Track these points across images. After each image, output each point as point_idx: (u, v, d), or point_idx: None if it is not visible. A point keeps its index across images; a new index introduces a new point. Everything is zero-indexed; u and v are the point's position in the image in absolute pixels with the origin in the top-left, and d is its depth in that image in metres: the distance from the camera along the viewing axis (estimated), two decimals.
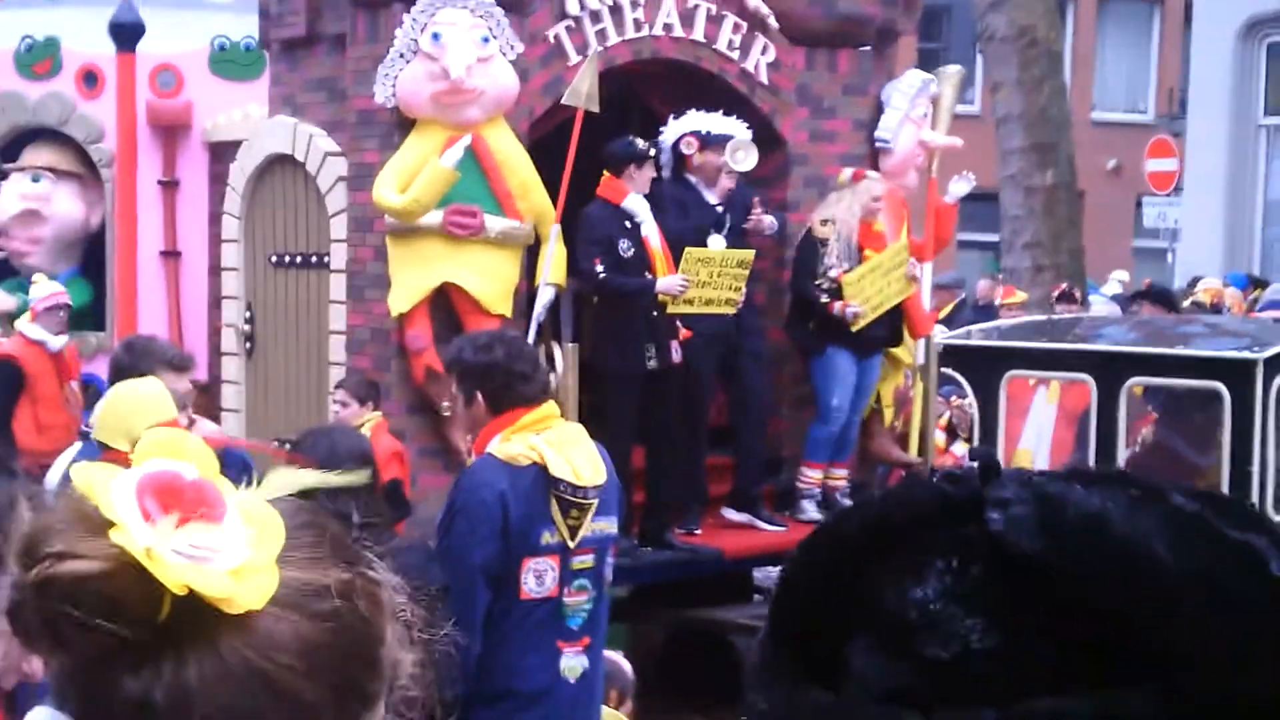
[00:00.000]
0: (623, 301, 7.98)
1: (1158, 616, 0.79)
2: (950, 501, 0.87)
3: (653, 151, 8.13)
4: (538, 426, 4.78)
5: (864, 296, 8.70)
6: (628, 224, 8.05)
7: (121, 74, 9.78)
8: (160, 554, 1.01)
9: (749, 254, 8.44)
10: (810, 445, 9.00)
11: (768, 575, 10.43)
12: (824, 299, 8.63)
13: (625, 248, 7.98)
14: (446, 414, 8.01)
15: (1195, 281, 13.59)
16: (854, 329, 8.68)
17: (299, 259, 8.78)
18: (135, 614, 1.02)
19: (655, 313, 7.96)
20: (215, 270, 9.60)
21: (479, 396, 4.77)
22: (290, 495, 1.15)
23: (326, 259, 8.51)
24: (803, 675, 0.87)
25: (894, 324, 9.05)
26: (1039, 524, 0.83)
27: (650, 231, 8.06)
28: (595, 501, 4.81)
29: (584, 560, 4.88)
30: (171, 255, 10.15)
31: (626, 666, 5.43)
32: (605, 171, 8.16)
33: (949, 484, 0.89)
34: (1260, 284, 14.29)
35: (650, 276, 7.99)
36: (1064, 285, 13.55)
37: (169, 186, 10.15)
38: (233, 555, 1.04)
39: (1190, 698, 0.78)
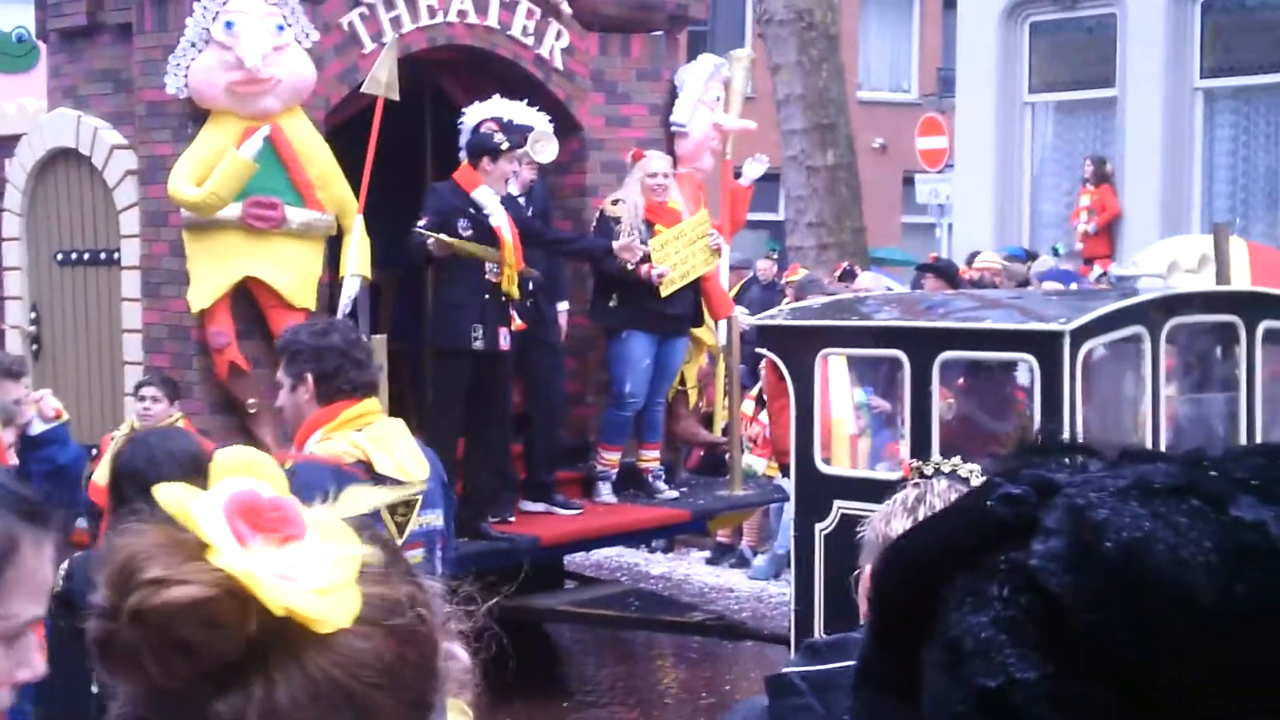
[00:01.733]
0: (459, 278, 7.91)
1: (1186, 664, 0.77)
2: (1006, 526, 0.86)
3: (505, 146, 8.04)
4: (359, 422, 4.70)
5: (670, 262, 8.76)
6: (471, 210, 7.97)
7: None
8: (260, 577, 1.02)
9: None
10: (605, 428, 9.04)
11: (578, 561, 10.47)
12: (629, 266, 8.64)
13: (463, 226, 7.91)
14: (252, 411, 7.86)
15: (974, 255, 13.98)
16: (663, 293, 8.72)
17: (87, 256, 8.49)
18: (231, 637, 1.02)
19: (487, 295, 7.90)
20: None
21: (308, 379, 4.64)
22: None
23: (117, 255, 8.25)
24: (889, 684, 0.87)
25: (695, 305, 9.13)
26: (1070, 560, 0.81)
27: (501, 223, 7.98)
28: (419, 496, 4.76)
29: (414, 555, 4.82)
30: None
31: (464, 656, 5.38)
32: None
33: (1006, 505, 0.88)
34: (1033, 256, 14.78)
35: (489, 265, 7.94)
36: (844, 264, 13.83)
37: None
38: (319, 574, 1.04)
39: None
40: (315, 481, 4.53)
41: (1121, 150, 15.85)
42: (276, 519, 1.05)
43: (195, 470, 4.68)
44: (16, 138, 8.93)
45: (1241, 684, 0.77)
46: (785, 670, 2.71)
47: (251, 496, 1.05)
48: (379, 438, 4.71)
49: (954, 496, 2.22)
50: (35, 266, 8.80)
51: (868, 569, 2.77)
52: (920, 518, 2.69)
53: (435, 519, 4.93)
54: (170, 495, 1.04)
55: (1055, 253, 15.07)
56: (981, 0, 16.55)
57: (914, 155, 20.10)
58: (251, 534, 1.03)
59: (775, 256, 17.29)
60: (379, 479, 4.65)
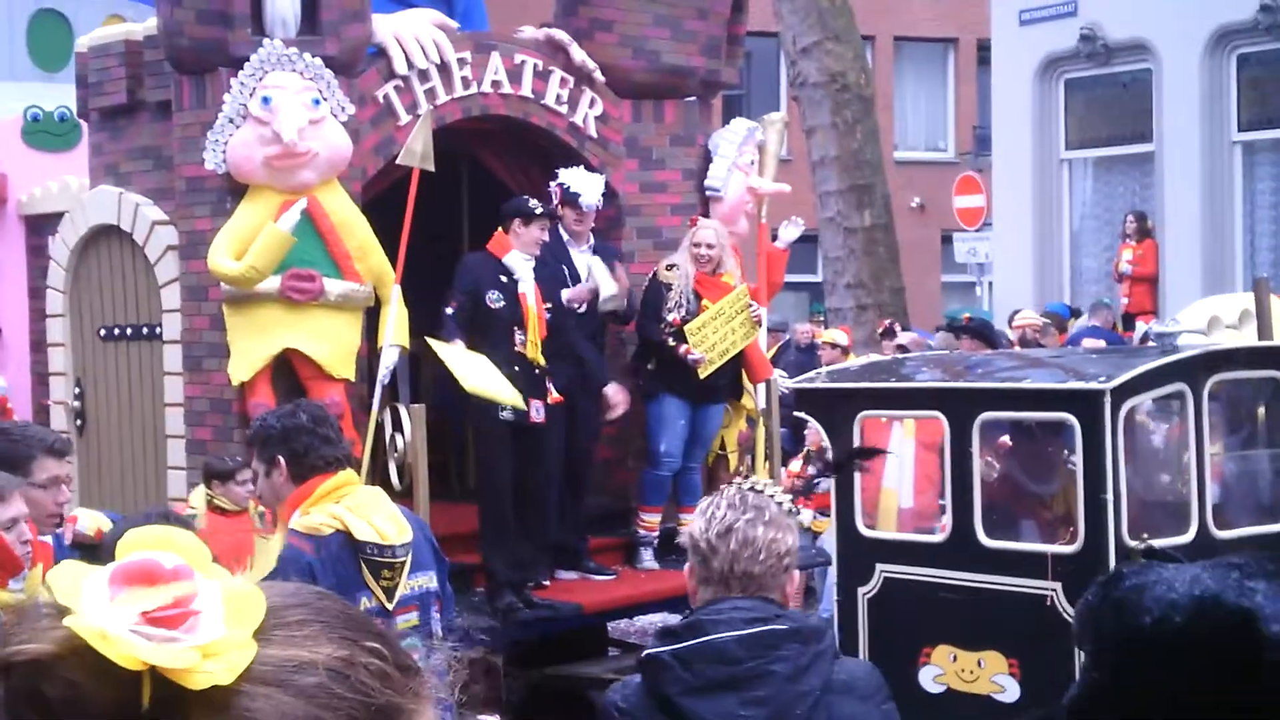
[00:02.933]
0: (486, 351, 7.93)
1: None
2: None
3: (539, 210, 8.10)
4: (336, 494, 4.77)
5: (708, 344, 8.76)
6: (503, 278, 8.03)
7: None
8: (115, 634, 1.00)
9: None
10: (643, 489, 9.02)
11: (621, 628, 10.42)
12: (670, 341, 8.67)
13: (495, 298, 7.98)
14: None
15: (1015, 314, 13.94)
16: (702, 375, 8.72)
17: (129, 331, 8.56)
18: (106, 700, 1.00)
19: (517, 367, 7.91)
20: (39, 346, 9.30)
21: (280, 461, 4.73)
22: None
23: (159, 330, 8.31)
24: None
25: (733, 375, 9.11)
26: None
27: (528, 289, 8.03)
28: (405, 559, 4.80)
29: (408, 619, 4.88)
30: None
31: None
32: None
33: None
34: (1077, 313, 14.73)
35: (519, 334, 7.97)
36: (886, 322, 13.82)
37: None
38: (205, 633, 1.02)
39: None
40: (294, 554, 4.60)
41: (1161, 205, 15.82)
42: (166, 583, 1.03)
43: None
44: (59, 215, 9.03)
45: None
46: (652, 651, 3.27)
47: (144, 564, 1.04)
48: (357, 506, 4.78)
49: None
50: (79, 342, 8.88)
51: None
52: (711, 517, 3.30)
53: (428, 581, 4.97)
54: (58, 570, 1.05)
55: (1106, 306, 15.01)
56: (1016, 58, 16.60)
57: (952, 214, 20.11)
58: (124, 596, 1.02)
59: (822, 319, 17.28)
60: (358, 546, 4.70)
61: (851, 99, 14.35)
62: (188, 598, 1.03)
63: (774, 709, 3.14)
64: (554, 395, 8.04)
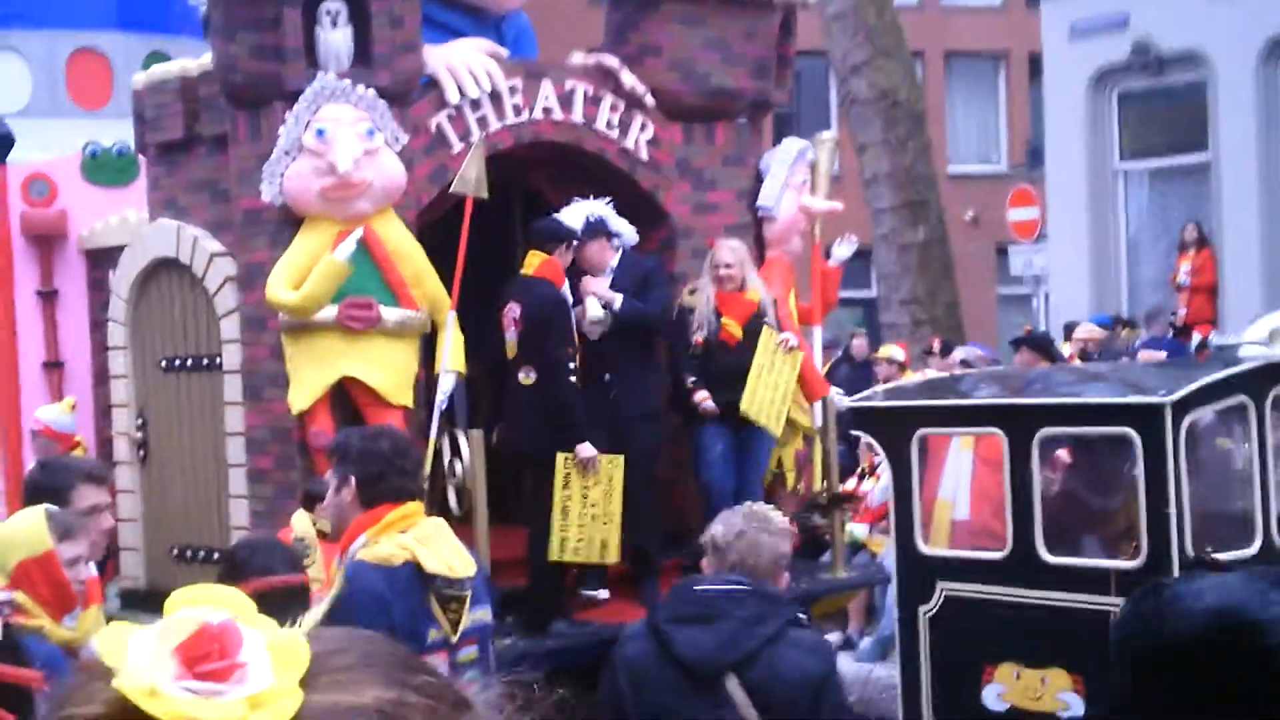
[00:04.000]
0: (565, 387, 7.95)
1: None
2: None
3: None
4: (403, 524, 4.77)
5: (759, 409, 8.70)
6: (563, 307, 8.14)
7: None
8: (163, 692, 1.01)
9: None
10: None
11: None
12: (689, 383, 8.65)
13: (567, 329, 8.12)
14: None
15: (1072, 326, 13.87)
16: (764, 425, 8.71)
17: (190, 362, 8.65)
18: None
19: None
20: (101, 379, 9.41)
21: (352, 481, 4.73)
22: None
23: (219, 360, 8.39)
24: None
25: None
26: None
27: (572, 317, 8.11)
28: (468, 592, 4.81)
29: (469, 652, 4.88)
30: (54, 366, 9.94)
31: None
32: (535, 250, 8.22)
33: None
34: (1126, 324, 14.63)
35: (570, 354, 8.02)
36: (934, 340, 13.79)
37: (47, 296, 9.95)
38: (252, 684, 1.03)
39: None
40: (362, 582, 4.63)
41: (1220, 215, 15.71)
42: (212, 638, 1.04)
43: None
44: (119, 249, 9.15)
45: None
46: None
47: (189, 620, 1.05)
48: (425, 537, 4.78)
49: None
50: (140, 374, 8.98)
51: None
52: (729, 524, 4.55)
53: (485, 615, 4.98)
54: (105, 632, 1.06)
55: (1161, 313, 14.91)
56: (1068, 71, 16.54)
57: (1005, 227, 20.01)
58: (172, 654, 1.03)
59: (864, 334, 17.25)
60: (428, 578, 4.72)
61: (903, 115, 14.33)
62: (234, 649, 1.04)
63: (728, 638, 4.28)
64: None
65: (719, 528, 4.56)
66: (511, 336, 8.17)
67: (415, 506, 4.83)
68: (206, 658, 1.03)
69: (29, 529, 4.57)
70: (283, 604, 4.12)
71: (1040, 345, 12.32)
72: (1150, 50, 15.86)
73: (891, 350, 13.36)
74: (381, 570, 4.66)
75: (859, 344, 16.21)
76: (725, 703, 4.27)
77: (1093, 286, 16.40)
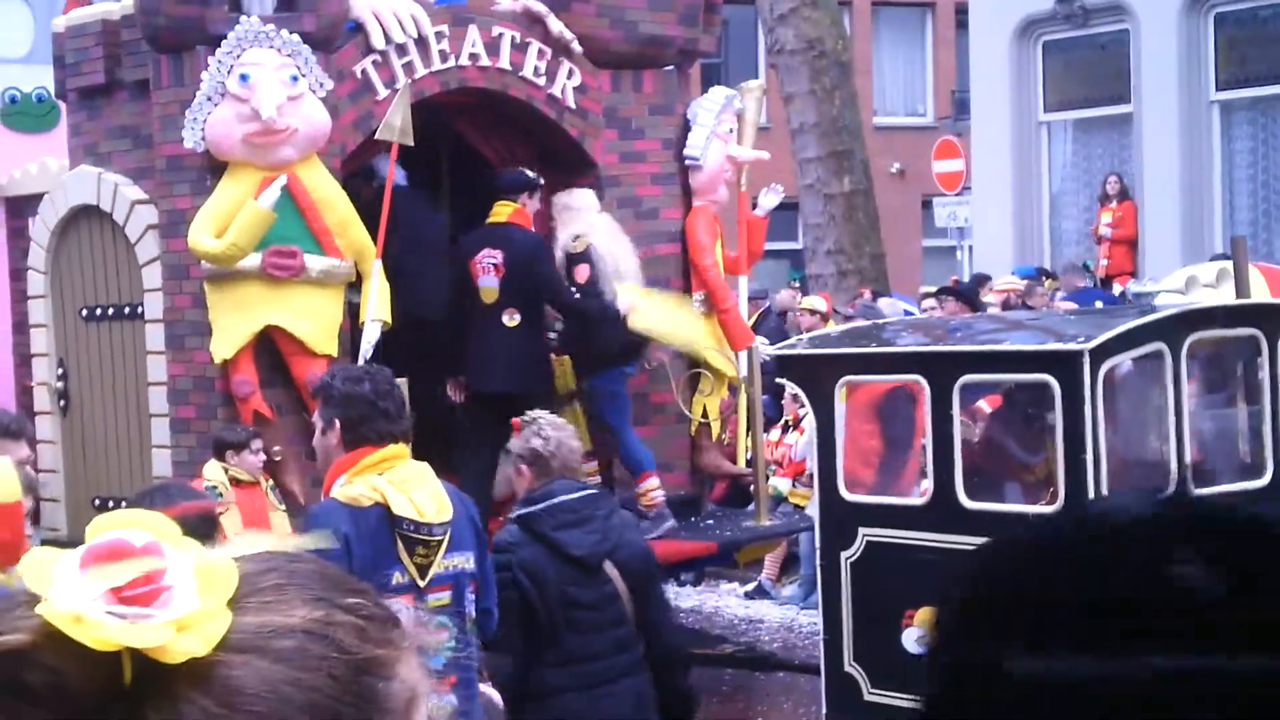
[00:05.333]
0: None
1: None
2: None
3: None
4: (381, 467, 4.76)
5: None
6: None
7: None
8: (88, 617, 1.01)
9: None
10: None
11: None
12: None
13: None
14: (278, 459, 7.90)
15: (983, 279, 13.99)
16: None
17: (111, 311, 8.57)
18: (88, 682, 1.01)
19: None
20: (20, 327, 9.30)
21: (336, 424, 4.75)
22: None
23: (141, 309, 8.32)
24: None
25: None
26: None
27: None
28: (443, 538, 4.79)
29: (440, 598, 4.85)
30: None
31: (496, 697, 5.41)
32: (503, 200, 8.39)
33: None
34: (1049, 275, 14.76)
35: None
36: (863, 290, 13.87)
37: None
38: (178, 607, 1.03)
39: None
40: (327, 520, 4.63)
41: (1140, 166, 15.85)
42: (137, 561, 1.03)
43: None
44: (39, 196, 9.03)
45: None
46: (523, 512, 5.34)
47: (112, 544, 1.04)
48: (400, 480, 4.76)
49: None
50: (61, 323, 8.88)
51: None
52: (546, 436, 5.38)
53: (464, 561, 4.94)
54: (28, 557, 1.06)
55: (1086, 268, 15.05)
56: (993, 21, 16.60)
57: (932, 179, 20.12)
58: (95, 577, 1.02)
59: (797, 285, 17.31)
60: (395, 520, 4.72)
61: (829, 65, 14.35)
62: (159, 573, 1.04)
63: (600, 534, 5.35)
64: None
65: (537, 440, 5.37)
66: (492, 282, 8.24)
67: (397, 449, 4.80)
68: (132, 582, 1.03)
69: (2, 476, 4.53)
70: (198, 532, 4.12)
71: (965, 296, 12.45)
72: (1074, 0, 15.94)
73: (814, 301, 13.42)
74: (348, 509, 4.66)
75: (783, 295, 16.27)
76: (606, 580, 5.39)
77: (1015, 239, 16.52)
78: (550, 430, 5.44)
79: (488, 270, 8.27)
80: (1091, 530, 0.94)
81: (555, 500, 5.34)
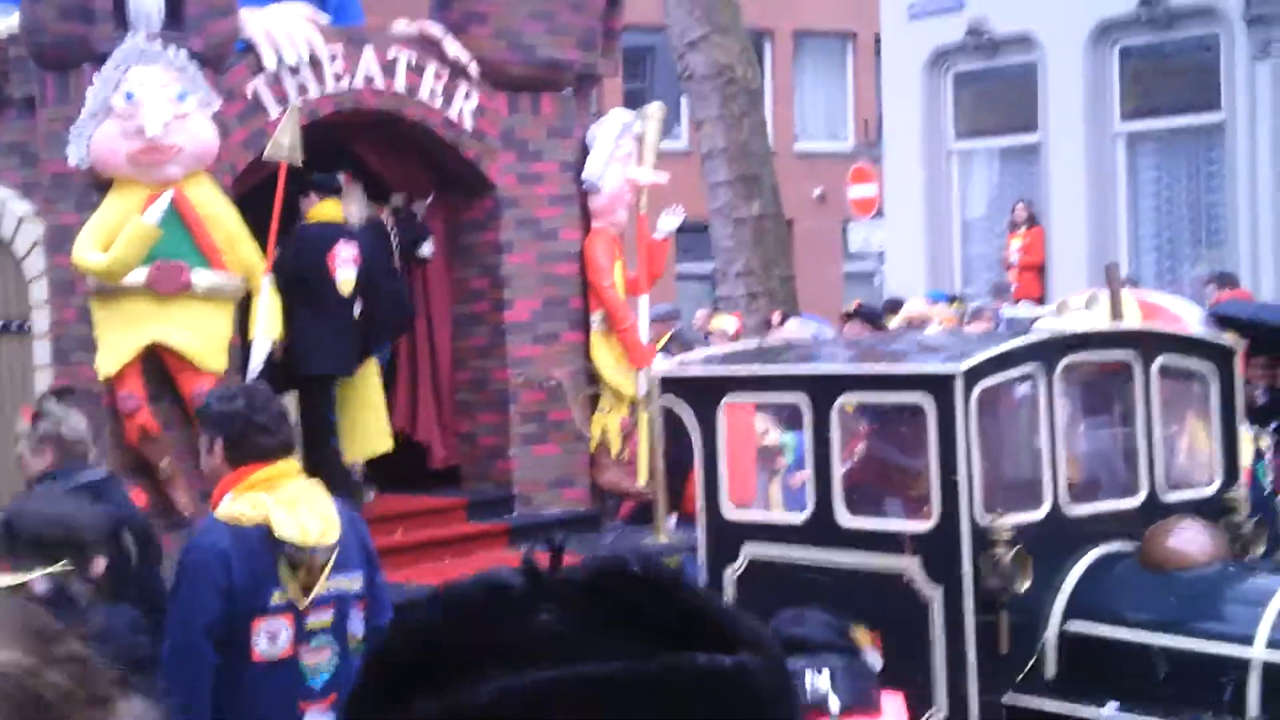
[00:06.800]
0: None
1: None
2: None
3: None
4: (269, 485, 4.74)
5: None
6: None
7: None
8: None
9: None
10: None
11: None
12: None
13: None
14: (165, 475, 7.86)
15: (895, 303, 14.11)
16: None
17: None
18: None
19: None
20: None
21: (218, 444, 4.77)
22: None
23: (28, 324, 8.27)
24: None
25: None
26: None
27: None
28: (327, 560, 4.78)
29: (322, 619, 4.83)
30: None
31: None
32: (331, 199, 8.51)
33: None
34: (958, 300, 14.92)
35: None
36: (779, 312, 13.94)
37: None
38: None
39: None
40: (205, 538, 4.61)
41: (1048, 194, 16.06)
42: None
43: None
44: None
45: None
46: None
47: None
48: (288, 500, 4.74)
49: None
50: None
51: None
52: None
53: (350, 583, 4.92)
54: None
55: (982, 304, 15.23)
56: (905, 51, 16.79)
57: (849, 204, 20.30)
58: None
59: (711, 306, 17.35)
60: (277, 542, 4.69)
61: (739, 92, 14.46)
62: None
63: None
64: None
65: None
66: (350, 274, 8.26)
67: (285, 466, 4.82)
68: None
69: None
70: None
71: (869, 317, 12.56)
72: (984, 32, 16.16)
73: (724, 321, 13.48)
74: (230, 528, 4.66)
75: (701, 315, 16.33)
76: None
77: (928, 264, 16.69)
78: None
79: (345, 264, 8.41)
80: (442, 599, 1.05)
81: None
